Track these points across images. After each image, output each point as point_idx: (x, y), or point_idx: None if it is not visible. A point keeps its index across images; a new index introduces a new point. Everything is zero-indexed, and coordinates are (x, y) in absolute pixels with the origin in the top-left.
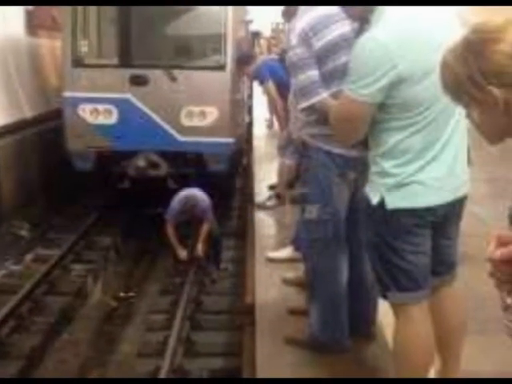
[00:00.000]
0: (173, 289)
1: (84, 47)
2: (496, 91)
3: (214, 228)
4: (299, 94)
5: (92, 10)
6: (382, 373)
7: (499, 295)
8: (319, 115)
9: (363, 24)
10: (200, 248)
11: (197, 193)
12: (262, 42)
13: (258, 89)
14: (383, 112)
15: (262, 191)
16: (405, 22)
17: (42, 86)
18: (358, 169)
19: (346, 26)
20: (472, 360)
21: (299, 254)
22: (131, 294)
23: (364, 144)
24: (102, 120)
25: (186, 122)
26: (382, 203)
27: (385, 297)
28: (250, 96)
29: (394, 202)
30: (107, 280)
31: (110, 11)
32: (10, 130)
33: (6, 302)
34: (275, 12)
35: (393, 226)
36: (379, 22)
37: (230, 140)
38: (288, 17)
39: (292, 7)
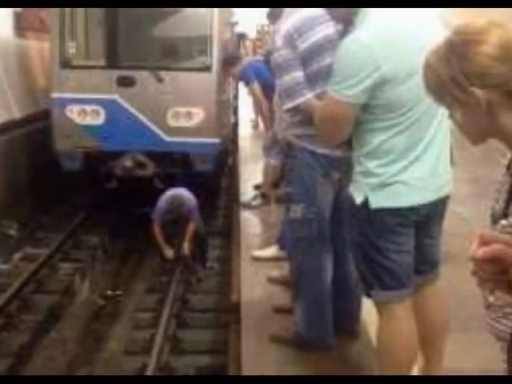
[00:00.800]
0: (159, 287)
1: (72, 49)
2: (478, 92)
3: (200, 227)
4: (284, 95)
5: (79, 11)
6: (366, 370)
7: (481, 294)
8: (304, 116)
9: (347, 26)
10: (186, 247)
11: (183, 192)
12: (248, 43)
13: (243, 90)
14: (367, 113)
15: (247, 191)
16: (388, 23)
17: (31, 86)
18: (342, 169)
19: (330, 28)
20: (454, 357)
21: (284, 253)
22: (118, 292)
23: (348, 144)
24: (89, 120)
25: (172, 122)
26: (365, 203)
27: (369, 295)
28: (236, 97)
29: (378, 201)
30: (95, 279)
31: (98, 13)
32: None
33: None
34: (260, 14)
35: (376, 225)
36: (363, 24)
37: (216, 140)
38: (273, 19)
39: (277, 9)
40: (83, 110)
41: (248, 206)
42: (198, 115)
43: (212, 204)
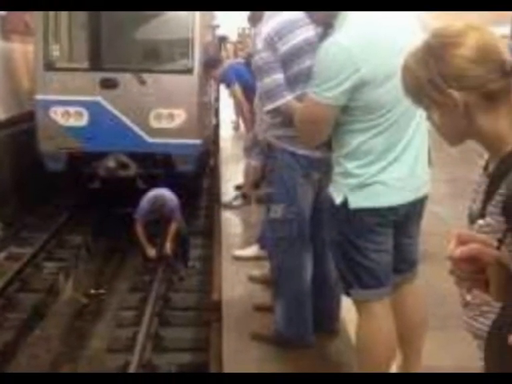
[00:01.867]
0: (142, 286)
1: (55, 51)
2: (456, 94)
3: (181, 227)
4: (265, 97)
5: (63, 15)
6: (345, 368)
7: (459, 292)
8: (284, 117)
9: (327, 29)
10: (168, 246)
11: (165, 193)
12: (229, 46)
13: (224, 92)
14: (346, 114)
15: (228, 191)
16: (367, 26)
17: (15, 88)
18: (322, 169)
19: (310, 31)
20: (433, 355)
21: (265, 253)
22: (101, 291)
23: (328, 145)
24: (73, 122)
25: (154, 124)
26: (345, 203)
27: (348, 294)
28: (217, 99)
29: (357, 201)
30: (78, 277)
31: (81, 16)
32: None
33: None
34: (241, 17)
35: (356, 225)
36: (342, 27)
37: (198, 141)
38: (254, 22)
39: (258, 12)
40: (67, 112)
41: (229, 206)
42: (180, 117)
43: (194, 204)
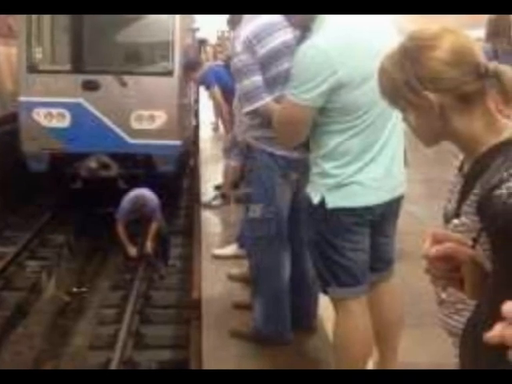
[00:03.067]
0: (123, 284)
1: (38, 54)
2: (431, 96)
3: (162, 226)
4: (244, 99)
5: (46, 18)
6: (322, 364)
7: (434, 290)
8: (263, 119)
9: (305, 32)
10: (149, 245)
11: (146, 193)
12: (208, 49)
13: (204, 94)
14: (324, 116)
15: (208, 191)
16: (344, 29)
17: None
18: (300, 170)
19: (288, 34)
20: (408, 352)
21: (244, 251)
22: (83, 289)
23: (305, 146)
24: (55, 123)
25: (135, 125)
26: (322, 203)
27: (325, 292)
28: (197, 100)
29: (334, 201)
30: (60, 276)
31: (63, 20)
32: None
33: None
34: (221, 20)
35: (333, 224)
36: (320, 30)
37: (178, 142)
38: (233, 25)
39: (237, 16)
40: (49, 113)
41: (208, 206)
42: (161, 118)
43: (174, 204)
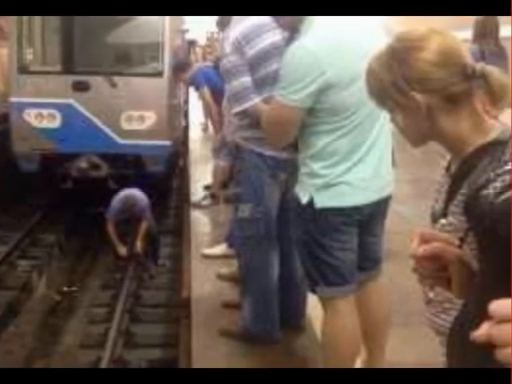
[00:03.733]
0: (113, 283)
1: (29, 55)
2: (419, 97)
3: (152, 226)
4: (233, 99)
5: (36, 19)
6: (311, 363)
7: (422, 289)
8: (252, 119)
9: (293, 33)
10: (139, 245)
11: (136, 193)
12: (198, 50)
13: (193, 94)
14: (312, 116)
15: (197, 191)
16: (333, 31)
17: None
18: (289, 170)
19: (276, 35)
20: (396, 351)
21: (233, 251)
22: (74, 288)
23: (294, 146)
24: (46, 124)
25: (125, 125)
26: (311, 202)
27: (313, 291)
28: (186, 101)
29: (323, 201)
30: (51, 275)
31: (54, 21)
32: None
33: None
34: (210, 22)
35: (321, 224)
36: (308, 32)
37: (168, 143)
38: (222, 26)
39: (226, 17)
40: (40, 114)
41: (198, 206)
42: (150, 119)
43: (163, 204)
